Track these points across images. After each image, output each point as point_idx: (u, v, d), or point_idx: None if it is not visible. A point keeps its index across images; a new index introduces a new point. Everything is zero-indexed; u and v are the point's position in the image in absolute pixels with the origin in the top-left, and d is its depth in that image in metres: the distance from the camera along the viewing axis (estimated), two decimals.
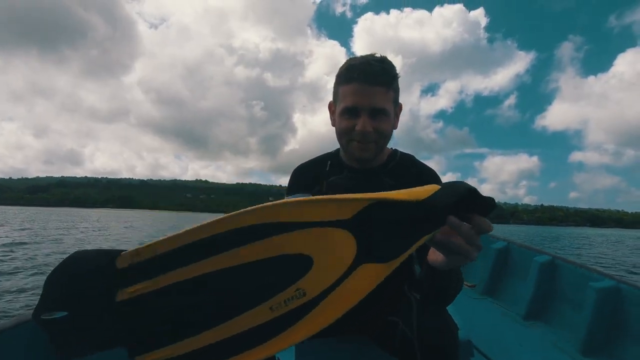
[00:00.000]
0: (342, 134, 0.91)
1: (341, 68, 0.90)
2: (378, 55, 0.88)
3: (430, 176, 0.98)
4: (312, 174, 1.03)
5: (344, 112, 0.89)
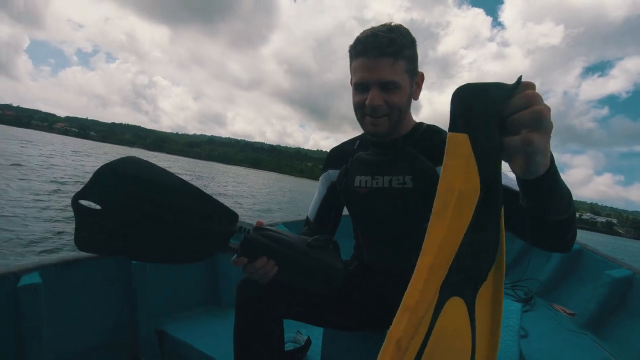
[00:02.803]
0: (356, 109, 0.91)
1: (352, 43, 0.90)
2: (391, 24, 0.86)
3: None
4: (343, 152, 1.06)
5: (356, 88, 0.89)
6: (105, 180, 0.61)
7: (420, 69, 0.91)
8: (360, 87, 0.87)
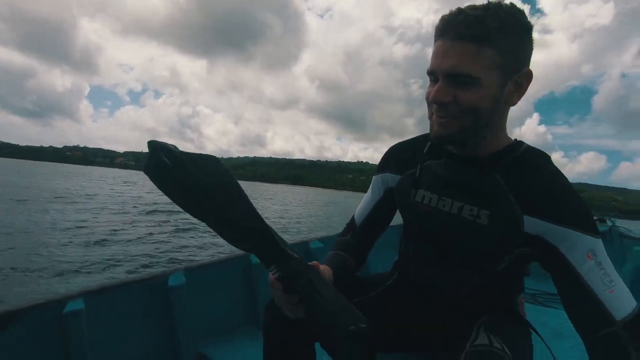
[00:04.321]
0: (428, 107, 0.74)
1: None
2: (494, 1, 0.65)
3: (563, 201, 0.67)
4: (408, 154, 0.86)
5: (429, 79, 0.72)
6: (178, 160, 0.61)
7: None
8: (431, 77, 0.70)
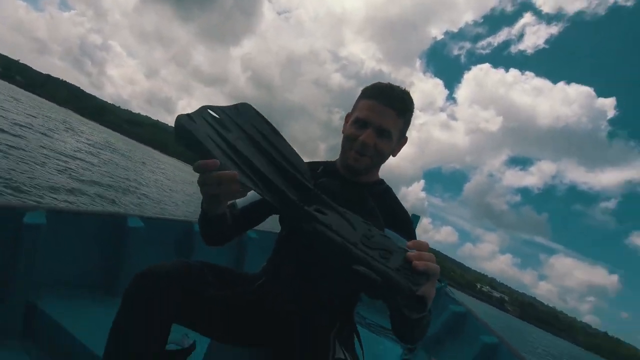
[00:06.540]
0: (346, 140, 0.98)
1: (368, 85, 0.99)
2: (404, 88, 0.98)
3: (404, 221, 1.00)
4: None
5: (355, 122, 0.96)
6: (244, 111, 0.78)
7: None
8: (360, 123, 0.94)
